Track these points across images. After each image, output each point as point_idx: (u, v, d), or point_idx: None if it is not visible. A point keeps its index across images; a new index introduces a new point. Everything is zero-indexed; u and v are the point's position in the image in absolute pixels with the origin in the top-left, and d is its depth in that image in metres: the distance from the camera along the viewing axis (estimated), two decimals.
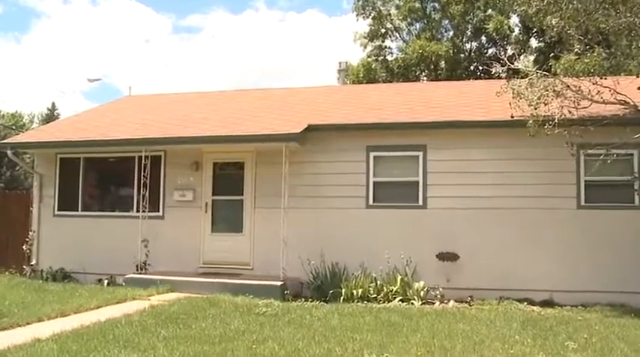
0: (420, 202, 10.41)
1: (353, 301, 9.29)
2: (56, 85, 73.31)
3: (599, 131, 9.05)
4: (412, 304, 9.27)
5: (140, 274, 10.67)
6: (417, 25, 28.67)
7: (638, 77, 9.67)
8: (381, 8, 28.01)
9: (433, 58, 25.79)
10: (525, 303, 9.23)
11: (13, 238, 12.82)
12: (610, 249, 9.66)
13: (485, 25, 25.76)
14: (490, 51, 27.18)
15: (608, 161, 9.04)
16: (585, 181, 9.86)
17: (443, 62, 26.41)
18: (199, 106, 13.85)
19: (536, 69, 10.19)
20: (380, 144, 10.65)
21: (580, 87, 9.27)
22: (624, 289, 9.36)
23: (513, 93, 9.28)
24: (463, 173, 10.26)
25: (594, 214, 9.80)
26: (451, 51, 26.05)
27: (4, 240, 13.12)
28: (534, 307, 9.06)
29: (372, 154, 10.64)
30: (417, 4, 27.65)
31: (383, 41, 28.64)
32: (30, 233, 12.16)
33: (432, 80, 24.85)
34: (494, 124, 10.16)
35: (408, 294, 9.56)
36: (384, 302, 9.38)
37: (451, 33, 27.59)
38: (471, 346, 6.15)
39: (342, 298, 9.44)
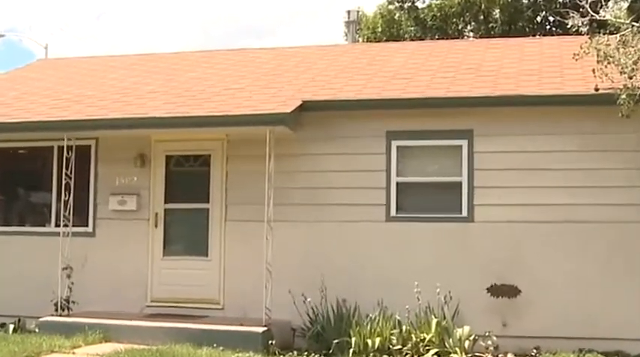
0: (464, 213, 10.48)
1: (367, 355, 9.34)
2: None
3: None
4: None
5: (61, 316, 10.70)
6: None
7: None
8: None
9: (483, 6, 25.81)
10: None
11: None
12: None
13: None
14: None
15: None
16: None
17: (497, 11, 26.44)
18: (146, 75, 13.90)
19: (632, 21, 10.23)
20: (406, 129, 10.72)
21: None
22: None
23: (599, 55, 9.33)
24: (526, 171, 10.31)
25: None
26: None
27: None
28: None
29: (394, 144, 10.72)
30: None
31: None
32: None
33: (481, 37, 24.87)
34: (570, 99, 10.21)
35: (447, 344, 9.61)
36: (412, 356, 9.44)
37: None
38: None
39: (351, 350, 9.46)
